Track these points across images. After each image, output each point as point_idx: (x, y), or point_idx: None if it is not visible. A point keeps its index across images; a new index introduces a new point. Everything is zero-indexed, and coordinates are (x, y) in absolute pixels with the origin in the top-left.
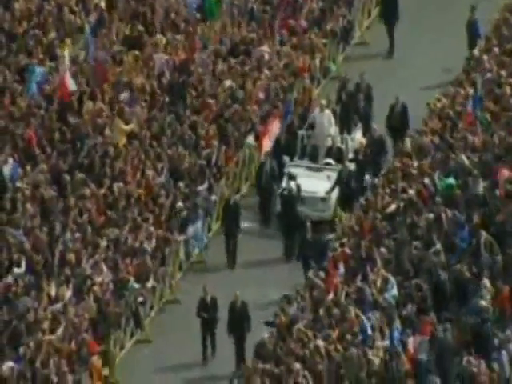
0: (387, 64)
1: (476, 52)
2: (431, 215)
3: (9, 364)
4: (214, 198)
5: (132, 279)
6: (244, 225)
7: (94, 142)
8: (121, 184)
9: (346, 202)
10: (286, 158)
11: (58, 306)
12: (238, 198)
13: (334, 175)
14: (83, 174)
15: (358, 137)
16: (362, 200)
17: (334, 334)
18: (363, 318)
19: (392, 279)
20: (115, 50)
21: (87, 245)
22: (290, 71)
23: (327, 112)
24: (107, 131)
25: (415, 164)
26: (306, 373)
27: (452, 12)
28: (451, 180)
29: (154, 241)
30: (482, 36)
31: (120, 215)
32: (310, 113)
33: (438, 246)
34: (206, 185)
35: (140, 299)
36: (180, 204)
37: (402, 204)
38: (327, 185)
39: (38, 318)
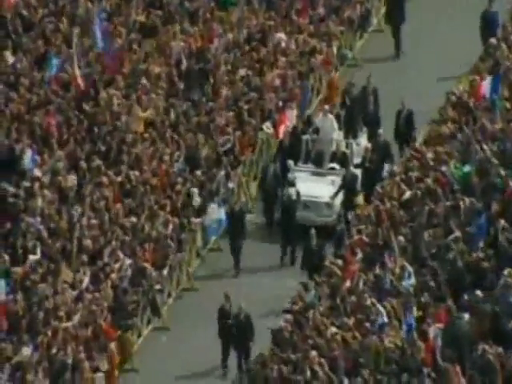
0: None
1: (493, 41)
2: (448, 203)
3: (27, 350)
4: (231, 185)
5: (149, 266)
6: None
7: (112, 129)
8: (137, 172)
9: (350, 207)
10: (290, 163)
11: (75, 292)
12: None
13: (338, 180)
14: (100, 161)
15: (363, 142)
16: (378, 188)
17: (351, 322)
18: (379, 306)
19: (409, 267)
20: (131, 37)
21: (104, 232)
22: (306, 59)
23: (330, 116)
24: (124, 118)
25: (430, 153)
26: (322, 360)
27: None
28: (468, 168)
29: (170, 228)
30: (500, 25)
31: (137, 203)
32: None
33: (457, 233)
34: (223, 172)
35: (157, 287)
36: (195, 189)
37: (418, 192)
38: (332, 190)
39: (56, 305)
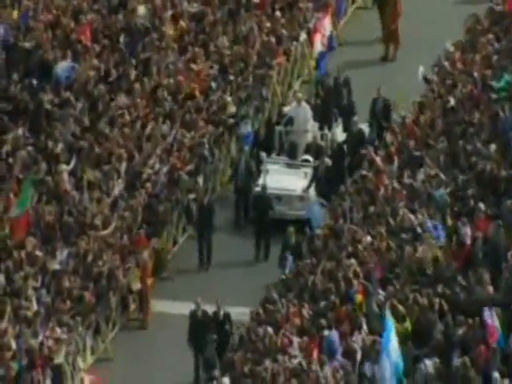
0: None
1: None
2: (486, 112)
3: (61, 259)
4: (264, 92)
5: (184, 174)
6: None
7: (150, 38)
8: (171, 80)
9: (323, 198)
10: (263, 155)
11: (109, 200)
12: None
13: (311, 172)
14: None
15: (337, 133)
16: (418, 98)
17: (383, 230)
18: (411, 216)
19: (443, 176)
20: None
21: (136, 139)
22: None
23: (304, 105)
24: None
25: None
26: (358, 268)
27: None
28: (507, 77)
29: (205, 136)
30: None
31: (168, 111)
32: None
33: (493, 146)
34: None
35: (192, 195)
36: (229, 98)
37: (453, 101)
38: (305, 182)
39: (90, 214)
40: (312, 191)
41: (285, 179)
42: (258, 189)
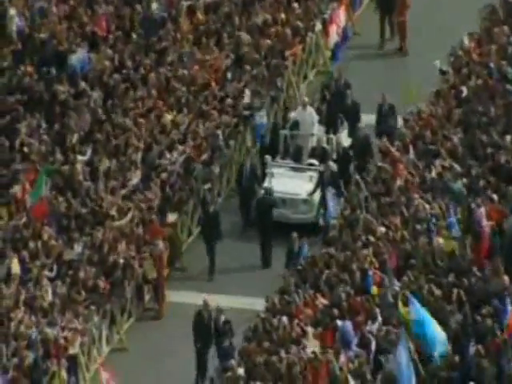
0: None
1: None
2: (501, 102)
3: (77, 249)
4: (279, 83)
5: (199, 164)
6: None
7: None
8: (185, 71)
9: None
10: (267, 158)
11: (125, 191)
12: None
13: (316, 176)
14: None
15: (343, 137)
16: (433, 89)
17: (398, 221)
18: (427, 206)
19: (457, 168)
20: None
21: (152, 129)
22: None
23: (309, 109)
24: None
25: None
26: (374, 259)
27: None
28: None
29: (220, 127)
30: None
31: (182, 101)
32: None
33: (509, 137)
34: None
35: (207, 186)
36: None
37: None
38: (310, 186)
39: (106, 204)
40: (317, 195)
41: (290, 183)
42: (262, 192)
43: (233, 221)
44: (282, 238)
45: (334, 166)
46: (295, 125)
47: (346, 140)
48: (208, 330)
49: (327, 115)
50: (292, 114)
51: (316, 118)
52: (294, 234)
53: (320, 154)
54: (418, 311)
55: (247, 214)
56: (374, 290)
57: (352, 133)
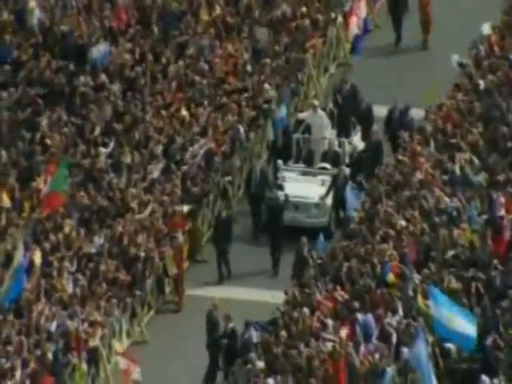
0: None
1: None
2: None
3: (97, 241)
4: (300, 76)
5: (219, 157)
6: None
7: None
8: (204, 65)
9: (340, 207)
10: (279, 162)
11: (146, 184)
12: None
13: (328, 180)
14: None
15: (355, 141)
16: (452, 83)
17: (417, 214)
18: (446, 199)
19: (477, 161)
20: None
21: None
22: None
23: (320, 112)
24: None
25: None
26: (394, 252)
27: None
28: None
29: (240, 120)
30: None
31: (201, 94)
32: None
33: None
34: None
35: (227, 178)
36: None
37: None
38: (322, 190)
39: (127, 197)
40: (329, 199)
41: (302, 187)
42: (275, 197)
43: (245, 223)
44: (292, 243)
45: (347, 170)
46: (307, 129)
47: (359, 144)
48: (217, 330)
49: (339, 119)
50: (301, 115)
51: (327, 121)
52: (304, 239)
53: (332, 157)
54: (438, 307)
55: (258, 219)
56: (391, 277)
57: (365, 136)
